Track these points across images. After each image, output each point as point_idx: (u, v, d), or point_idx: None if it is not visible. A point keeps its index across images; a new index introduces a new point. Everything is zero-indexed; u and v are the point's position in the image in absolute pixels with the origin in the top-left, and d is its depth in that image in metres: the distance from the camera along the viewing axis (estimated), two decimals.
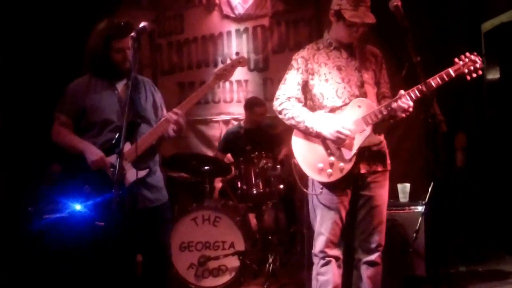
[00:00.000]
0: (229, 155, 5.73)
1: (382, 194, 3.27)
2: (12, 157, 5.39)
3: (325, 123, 3.14)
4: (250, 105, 5.70)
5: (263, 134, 5.59)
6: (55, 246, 4.45)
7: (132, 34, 2.95)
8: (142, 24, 2.96)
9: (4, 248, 4.56)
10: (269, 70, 6.43)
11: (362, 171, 3.21)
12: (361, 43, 3.33)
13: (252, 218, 5.20)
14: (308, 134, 3.21)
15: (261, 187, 4.81)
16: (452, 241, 4.91)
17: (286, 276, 4.78)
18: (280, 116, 3.28)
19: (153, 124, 3.31)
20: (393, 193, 4.88)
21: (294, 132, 3.30)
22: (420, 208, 4.46)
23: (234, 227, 4.61)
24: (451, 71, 3.06)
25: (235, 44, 6.45)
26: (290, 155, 5.40)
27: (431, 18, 5.88)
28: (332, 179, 3.15)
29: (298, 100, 3.27)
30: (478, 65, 3.10)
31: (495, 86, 6.18)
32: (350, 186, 3.22)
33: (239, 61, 3.34)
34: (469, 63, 3.09)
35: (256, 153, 4.88)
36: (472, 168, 5.78)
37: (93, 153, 3.11)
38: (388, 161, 3.33)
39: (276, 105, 3.28)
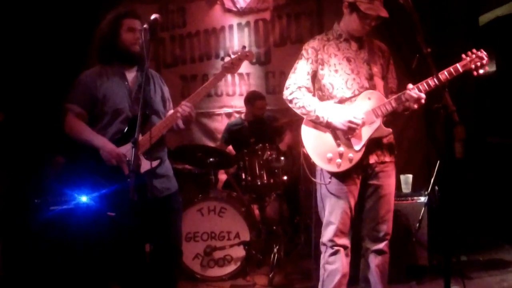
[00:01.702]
0: (230, 147, 5.77)
1: (390, 183, 3.33)
2: (16, 150, 5.40)
3: (336, 113, 3.18)
4: (251, 99, 5.75)
5: (266, 126, 5.64)
6: (61, 237, 4.49)
7: (145, 25, 2.98)
8: (153, 16, 2.99)
9: (11, 240, 4.58)
10: (271, 63, 6.46)
11: (371, 161, 3.26)
12: (369, 37, 3.39)
13: (255, 209, 5.24)
14: (318, 124, 3.24)
15: (265, 178, 4.87)
16: (453, 230, 4.96)
17: (291, 266, 4.85)
18: (291, 105, 3.31)
19: (162, 116, 3.35)
20: (396, 184, 4.94)
21: (304, 121, 3.33)
22: (423, 199, 4.53)
23: (239, 217, 4.66)
24: (459, 66, 3.12)
25: (237, 37, 6.47)
26: (292, 146, 5.52)
27: (429, 11, 5.93)
28: (341, 169, 3.19)
29: (308, 89, 3.30)
30: (484, 61, 3.16)
31: (491, 79, 6.25)
32: (359, 175, 3.27)
33: (246, 55, 3.36)
34: (476, 59, 3.15)
35: (260, 145, 4.93)
36: (471, 159, 5.84)
37: (110, 151, 3.11)
38: (395, 152, 3.40)
39: (287, 94, 3.31)
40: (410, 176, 4.84)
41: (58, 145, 5.36)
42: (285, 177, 4.94)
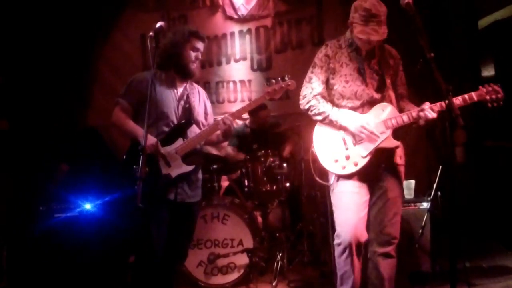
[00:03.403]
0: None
1: (397, 186, 3.39)
2: (21, 157, 5.42)
3: (351, 119, 3.29)
4: (254, 110, 5.74)
5: (269, 132, 5.65)
6: (66, 245, 4.50)
7: (150, 33, 3.13)
8: (159, 24, 3.14)
9: (15, 247, 4.58)
10: (272, 69, 6.49)
11: (382, 165, 3.34)
12: (380, 45, 3.41)
13: (258, 216, 5.24)
14: (332, 127, 3.35)
15: (268, 185, 4.88)
16: (456, 236, 4.95)
17: (294, 273, 4.84)
18: (308, 113, 3.42)
19: (201, 127, 3.64)
20: None
21: (318, 122, 3.44)
22: (426, 205, 4.53)
23: (243, 224, 4.65)
24: (474, 95, 3.22)
25: (238, 44, 6.51)
26: (295, 153, 5.52)
27: (428, 15, 5.94)
28: (345, 172, 3.29)
29: (323, 96, 3.40)
30: (500, 96, 3.24)
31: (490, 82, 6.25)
32: (368, 177, 3.33)
33: (288, 84, 3.58)
34: (492, 92, 3.24)
35: (263, 151, 4.94)
36: (472, 164, 5.85)
37: (149, 137, 3.23)
38: (404, 157, 3.45)
39: (304, 103, 3.43)
40: (412, 182, 4.83)
41: (63, 152, 5.41)
42: (287, 184, 4.95)
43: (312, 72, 3.43)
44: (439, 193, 4.57)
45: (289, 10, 6.49)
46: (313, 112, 3.38)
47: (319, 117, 3.36)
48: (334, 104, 3.38)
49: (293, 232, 5.27)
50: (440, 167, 4.50)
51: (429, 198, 4.54)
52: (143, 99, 3.26)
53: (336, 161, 3.31)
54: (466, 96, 3.20)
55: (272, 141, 5.44)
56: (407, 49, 5.17)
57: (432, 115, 3.16)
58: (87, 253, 4.52)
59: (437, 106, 3.17)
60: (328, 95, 3.41)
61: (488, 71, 6.22)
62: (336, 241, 3.37)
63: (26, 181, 5.21)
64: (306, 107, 3.40)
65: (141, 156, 2.87)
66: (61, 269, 4.46)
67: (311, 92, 3.38)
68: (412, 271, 4.41)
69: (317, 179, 3.47)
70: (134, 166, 3.22)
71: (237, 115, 3.61)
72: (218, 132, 3.58)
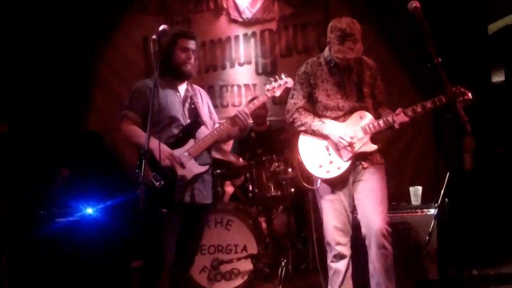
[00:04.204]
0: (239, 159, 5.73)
1: (376, 178, 3.60)
2: (21, 161, 5.39)
3: (331, 128, 3.60)
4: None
5: (273, 137, 5.61)
6: (67, 249, 4.48)
7: (153, 36, 3.16)
8: (162, 27, 3.19)
9: (16, 252, 4.55)
10: (277, 73, 6.36)
11: (363, 167, 3.60)
12: (357, 57, 3.64)
13: (262, 222, 5.19)
14: (315, 136, 3.66)
15: (272, 190, 4.82)
16: (463, 244, 4.90)
17: (298, 280, 4.80)
18: (293, 125, 3.75)
19: (208, 127, 3.68)
20: (405, 196, 4.90)
21: (302, 132, 3.73)
22: (433, 211, 4.49)
23: (247, 230, 4.62)
24: (442, 98, 3.34)
25: (243, 48, 6.46)
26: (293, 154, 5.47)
27: (437, 20, 5.91)
28: (329, 176, 3.60)
29: (305, 109, 3.72)
30: (466, 97, 3.27)
31: (500, 89, 6.21)
32: (349, 177, 3.61)
33: (286, 82, 3.81)
34: (459, 94, 3.24)
35: (268, 156, 4.88)
36: (481, 171, 5.79)
37: (164, 151, 3.33)
38: (382, 158, 3.70)
39: (288, 117, 3.76)
40: (419, 188, 4.79)
41: (63, 156, 5.38)
42: (292, 189, 4.89)
43: (294, 89, 3.76)
44: (446, 200, 4.51)
45: (294, 14, 6.44)
46: (296, 124, 3.70)
47: (302, 128, 3.67)
48: (319, 115, 3.69)
49: (298, 238, 5.22)
50: (448, 173, 4.44)
51: (436, 204, 4.49)
52: (149, 106, 3.27)
53: (321, 166, 3.62)
54: (436, 99, 3.36)
55: (277, 147, 5.38)
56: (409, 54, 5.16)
57: (404, 119, 3.43)
58: (88, 257, 4.51)
59: (410, 110, 3.43)
60: (313, 107, 3.72)
61: (498, 77, 6.17)
62: (326, 239, 3.68)
63: (27, 185, 5.18)
64: (291, 120, 3.73)
65: (143, 162, 2.91)
66: (62, 273, 4.45)
67: (294, 106, 3.71)
68: (418, 279, 4.37)
69: (304, 183, 3.74)
70: (137, 170, 3.22)
71: (250, 110, 3.70)
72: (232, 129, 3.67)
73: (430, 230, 4.37)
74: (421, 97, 5.09)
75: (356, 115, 3.60)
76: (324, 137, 3.62)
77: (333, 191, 3.61)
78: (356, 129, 3.57)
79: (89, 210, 4.69)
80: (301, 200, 5.26)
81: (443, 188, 4.45)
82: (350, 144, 3.53)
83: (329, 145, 3.62)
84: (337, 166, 3.57)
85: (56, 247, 4.47)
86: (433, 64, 2.96)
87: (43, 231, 4.47)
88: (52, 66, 5.89)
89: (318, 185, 3.66)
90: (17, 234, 4.63)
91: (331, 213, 3.61)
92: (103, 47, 6.22)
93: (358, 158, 3.59)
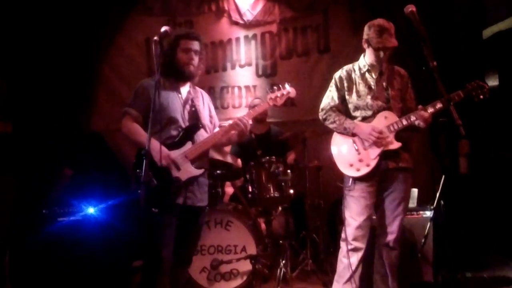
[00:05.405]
0: (239, 160, 5.79)
1: (404, 188, 3.89)
2: (24, 161, 5.44)
3: (361, 127, 3.86)
4: (251, 105, 5.81)
5: (273, 139, 5.67)
6: (69, 249, 4.51)
7: (155, 38, 3.21)
8: (163, 29, 3.24)
9: (18, 251, 4.59)
10: (277, 75, 6.50)
11: (389, 166, 3.84)
12: (389, 65, 3.99)
13: (262, 223, 5.24)
14: (345, 134, 3.91)
15: (272, 191, 4.85)
16: (458, 247, 4.96)
17: (297, 281, 4.84)
18: (325, 123, 4.02)
19: (208, 130, 3.71)
20: None
21: (334, 133, 4.00)
22: (429, 213, 4.53)
23: (246, 231, 4.66)
24: (460, 93, 3.69)
25: (244, 50, 6.53)
26: (299, 160, 5.53)
27: (432, 25, 5.96)
28: (359, 174, 3.82)
29: (338, 109, 4.00)
30: (485, 90, 3.73)
31: (494, 94, 6.24)
32: (377, 178, 3.85)
33: (289, 92, 3.85)
34: (477, 87, 3.73)
35: (267, 157, 4.93)
36: (475, 174, 5.84)
37: (162, 153, 3.34)
38: (411, 160, 3.94)
39: (322, 114, 4.04)
40: (415, 190, 4.82)
41: (67, 157, 5.43)
42: (291, 191, 4.94)
43: (330, 91, 4.05)
44: (442, 202, 4.57)
45: (295, 17, 6.51)
46: (329, 121, 3.98)
47: (334, 125, 3.95)
48: (350, 115, 3.96)
49: (297, 239, 5.27)
50: (443, 176, 4.50)
51: (432, 207, 4.53)
52: (151, 105, 3.30)
53: (351, 165, 3.86)
54: (454, 95, 3.65)
55: (276, 148, 5.44)
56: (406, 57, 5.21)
57: (425, 115, 3.68)
58: (90, 257, 4.53)
59: (429, 107, 3.70)
60: (346, 109, 3.98)
61: (492, 81, 6.22)
62: (344, 235, 3.88)
63: (30, 185, 5.22)
64: (324, 116, 4.01)
65: (144, 161, 2.92)
66: (64, 273, 4.47)
67: (328, 105, 4.01)
68: (414, 281, 4.42)
69: (339, 184, 4.08)
70: (138, 170, 3.27)
71: (252, 114, 3.77)
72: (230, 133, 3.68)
73: (426, 232, 4.42)
74: (419, 101, 5.14)
75: (381, 115, 3.87)
76: (354, 135, 3.87)
77: (361, 190, 3.84)
78: (381, 128, 3.81)
79: (91, 210, 4.71)
80: (300, 202, 5.33)
81: (439, 191, 4.50)
82: (379, 139, 3.77)
83: (358, 144, 3.86)
84: (366, 163, 3.81)
85: (58, 245, 4.48)
86: (428, 68, 3.05)
87: (45, 230, 4.48)
88: (55, 68, 5.94)
89: (350, 184, 3.87)
90: (19, 233, 4.67)
91: (356, 210, 3.84)
92: (106, 48, 6.28)
93: (386, 158, 3.82)
